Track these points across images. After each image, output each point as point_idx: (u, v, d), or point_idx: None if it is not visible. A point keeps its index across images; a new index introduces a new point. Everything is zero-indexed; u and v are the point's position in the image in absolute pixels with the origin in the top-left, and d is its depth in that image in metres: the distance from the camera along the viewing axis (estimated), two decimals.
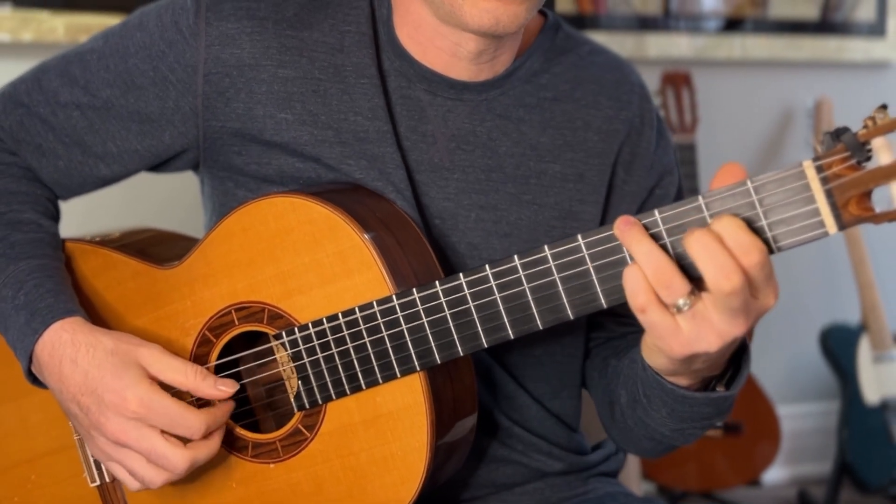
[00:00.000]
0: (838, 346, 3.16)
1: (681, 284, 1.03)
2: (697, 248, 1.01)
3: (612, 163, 1.35)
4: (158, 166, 1.38)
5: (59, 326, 1.23)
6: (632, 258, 1.05)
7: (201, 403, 1.25)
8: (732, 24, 3.24)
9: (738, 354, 1.19)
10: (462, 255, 1.31)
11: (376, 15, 1.32)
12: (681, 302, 1.03)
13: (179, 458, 1.19)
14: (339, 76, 1.30)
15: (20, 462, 1.38)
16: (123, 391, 1.19)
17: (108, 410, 1.19)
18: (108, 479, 1.33)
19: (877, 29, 3.38)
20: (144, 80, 1.32)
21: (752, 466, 3.08)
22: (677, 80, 3.09)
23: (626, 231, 1.05)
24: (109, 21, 2.63)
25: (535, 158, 1.32)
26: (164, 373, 1.21)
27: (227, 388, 1.22)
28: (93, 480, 1.33)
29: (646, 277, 1.03)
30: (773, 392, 3.22)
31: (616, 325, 1.38)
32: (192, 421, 1.19)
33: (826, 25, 3.34)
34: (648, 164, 1.37)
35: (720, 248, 1.01)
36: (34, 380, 1.28)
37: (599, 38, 2.96)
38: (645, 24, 3.16)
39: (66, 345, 1.22)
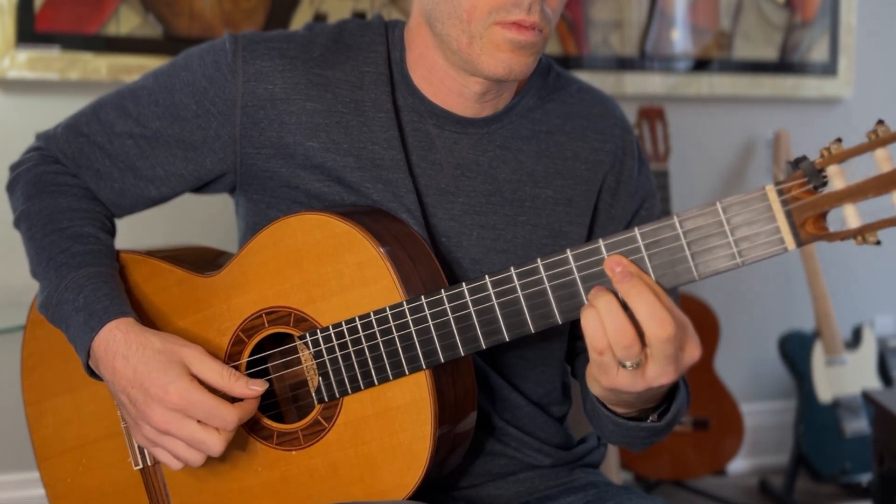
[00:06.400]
0: (795, 351, 3.15)
1: (638, 350, 1.05)
2: (638, 300, 1.03)
3: (597, 189, 1.36)
4: (201, 188, 1.39)
5: (114, 326, 1.24)
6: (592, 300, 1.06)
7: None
8: (701, 65, 3.25)
9: (672, 391, 1.22)
10: (466, 269, 1.31)
11: (391, 57, 1.34)
12: (629, 364, 1.06)
13: (216, 441, 1.20)
14: (359, 110, 1.31)
15: (74, 447, 1.39)
16: (167, 386, 1.19)
17: (153, 402, 1.20)
18: (149, 464, 1.34)
19: (829, 68, 3.38)
20: (188, 113, 1.33)
21: (718, 458, 3.07)
22: (652, 114, 3.09)
23: (626, 279, 1.05)
24: (146, 62, 2.65)
25: (530, 184, 1.33)
26: (203, 373, 1.21)
27: (257, 387, 1.22)
28: (136, 464, 1.34)
29: (606, 329, 1.05)
30: (736, 391, 3.23)
31: None
32: (226, 414, 1.19)
33: (784, 65, 3.34)
34: (633, 190, 1.38)
35: (658, 301, 1.03)
36: (91, 372, 1.28)
37: (582, 76, 2.98)
38: (623, 64, 3.17)
39: (120, 342, 1.23)
